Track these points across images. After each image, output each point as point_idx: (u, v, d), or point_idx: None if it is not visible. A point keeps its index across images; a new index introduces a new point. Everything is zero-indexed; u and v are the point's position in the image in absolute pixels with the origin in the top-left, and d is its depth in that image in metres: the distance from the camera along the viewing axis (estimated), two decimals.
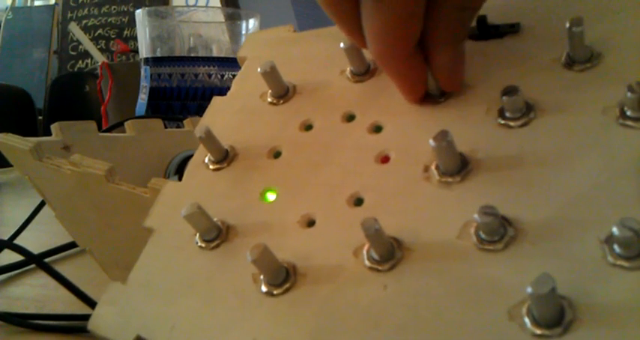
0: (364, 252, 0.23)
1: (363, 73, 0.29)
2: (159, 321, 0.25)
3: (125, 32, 2.36)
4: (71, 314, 0.45)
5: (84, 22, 2.38)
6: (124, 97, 1.04)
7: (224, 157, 0.29)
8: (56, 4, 2.48)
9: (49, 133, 0.54)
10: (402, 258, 0.22)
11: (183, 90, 0.90)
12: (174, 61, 0.91)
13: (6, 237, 0.62)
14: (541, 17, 0.27)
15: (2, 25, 2.49)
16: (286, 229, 0.26)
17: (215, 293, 0.25)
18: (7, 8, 2.56)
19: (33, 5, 2.70)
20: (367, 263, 0.23)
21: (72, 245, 0.61)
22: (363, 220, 0.21)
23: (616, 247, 0.19)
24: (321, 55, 0.31)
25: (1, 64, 2.41)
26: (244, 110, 0.32)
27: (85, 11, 2.42)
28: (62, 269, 0.48)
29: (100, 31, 2.36)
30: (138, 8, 1.01)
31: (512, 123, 0.24)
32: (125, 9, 2.37)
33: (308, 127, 0.29)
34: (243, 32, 0.96)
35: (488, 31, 0.27)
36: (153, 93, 0.90)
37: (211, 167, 0.30)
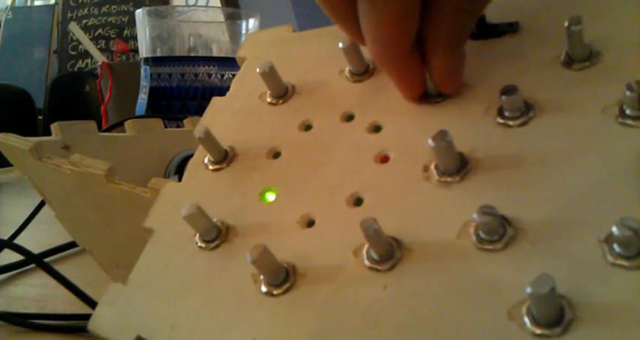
0: (364, 251, 0.23)
1: (362, 72, 0.29)
2: (159, 321, 0.25)
3: (125, 32, 2.36)
4: (71, 314, 0.45)
5: (84, 21, 2.38)
6: (124, 97, 1.04)
7: (223, 158, 0.29)
8: (56, 3, 2.48)
9: (48, 133, 0.54)
10: (402, 258, 0.22)
11: (183, 90, 0.90)
12: (174, 60, 0.91)
13: (6, 237, 0.62)
14: (540, 16, 0.26)
15: (2, 24, 2.49)
16: (286, 229, 0.26)
17: (215, 294, 0.25)
18: (7, 8, 2.56)
19: (33, 5, 2.70)
20: (367, 263, 0.23)
21: (72, 244, 0.61)
22: (363, 220, 0.21)
23: (616, 246, 0.19)
24: (320, 54, 0.31)
25: (1, 63, 2.41)
26: (243, 110, 0.32)
27: (85, 11, 2.42)
28: (62, 268, 0.48)
29: (100, 30, 2.36)
30: (138, 8, 1.01)
31: (511, 123, 0.24)
32: (125, 9, 2.38)
33: (307, 127, 0.29)
34: (243, 32, 0.96)
35: (486, 30, 0.27)
36: (153, 92, 0.90)
37: (211, 167, 0.30)
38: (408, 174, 0.25)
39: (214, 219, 0.27)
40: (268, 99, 0.31)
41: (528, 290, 0.18)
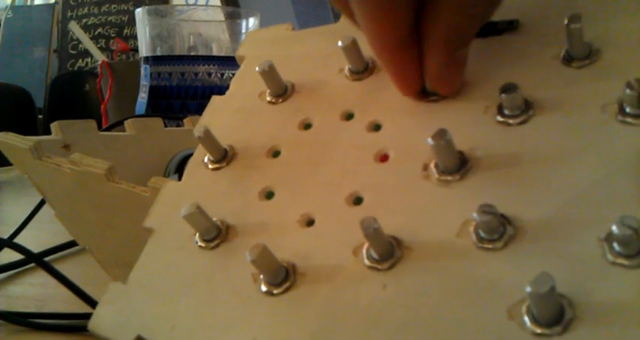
0: (363, 251, 0.23)
1: (362, 71, 0.29)
2: (159, 321, 0.25)
3: (125, 31, 2.36)
4: (71, 313, 0.45)
5: (84, 20, 2.38)
6: (124, 96, 1.04)
7: (223, 157, 0.29)
8: (56, 2, 2.48)
9: (48, 132, 0.54)
10: (402, 257, 0.22)
11: (183, 89, 0.90)
12: (174, 59, 0.91)
13: (6, 236, 0.62)
14: (540, 14, 0.26)
15: (2, 23, 2.49)
16: (285, 228, 0.26)
17: (215, 293, 0.25)
18: (7, 7, 2.56)
19: (33, 4, 2.70)
20: (367, 262, 0.23)
21: (72, 244, 0.61)
22: (362, 219, 0.21)
23: (615, 245, 0.19)
24: (319, 53, 0.31)
25: (1, 62, 2.41)
26: (243, 109, 0.31)
27: (85, 10, 2.42)
28: (62, 268, 0.48)
29: (99, 29, 2.36)
30: (138, 7, 1.01)
31: (511, 121, 0.24)
32: (125, 8, 2.38)
33: (307, 126, 0.29)
34: (243, 31, 0.96)
35: (486, 28, 0.27)
36: (153, 92, 0.90)
37: (210, 166, 0.29)
38: (408, 172, 0.25)
39: (214, 219, 0.27)
40: (268, 98, 0.31)
41: (528, 289, 0.18)
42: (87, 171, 0.39)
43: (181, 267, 0.27)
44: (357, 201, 0.25)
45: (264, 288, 0.24)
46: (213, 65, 0.91)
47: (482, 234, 0.21)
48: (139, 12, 0.94)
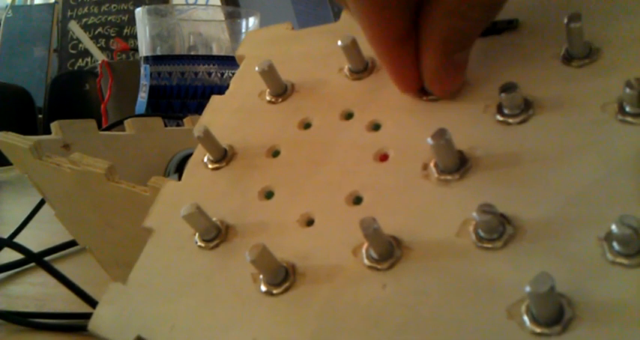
0: (363, 250, 0.23)
1: (362, 70, 0.29)
2: (159, 321, 0.25)
3: (125, 30, 2.36)
4: (71, 313, 0.45)
5: (84, 20, 2.38)
6: (124, 96, 1.04)
7: (223, 156, 0.29)
8: (56, 2, 2.48)
9: (48, 132, 0.54)
10: (401, 257, 0.22)
11: (183, 89, 0.90)
12: (174, 59, 0.91)
13: (6, 236, 0.63)
14: (539, 13, 0.26)
15: (2, 23, 2.49)
16: (285, 228, 0.26)
17: (215, 293, 0.25)
18: (7, 6, 2.56)
19: (33, 4, 2.70)
20: (366, 262, 0.23)
21: (72, 243, 0.61)
22: (362, 220, 0.21)
23: (615, 245, 0.19)
24: (319, 52, 0.31)
25: (1, 62, 2.41)
26: (243, 109, 0.31)
27: (85, 9, 2.42)
28: (62, 267, 0.48)
29: (99, 29, 2.36)
30: (138, 6, 1.01)
31: (510, 120, 0.24)
32: (125, 7, 2.38)
33: (307, 126, 0.29)
34: (243, 30, 0.96)
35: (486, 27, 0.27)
36: (153, 91, 0.90)
37: (210, 166, 0.29)
38: (408, 172, 0.25)
39: (214, 218, 0.27)
40: (267, 98, 0.31)
41: (528, 288, 0.18)
42: (87, 170, 0.39)
43: (181, 267, 0.27)
44: (357, 200, 0.25)
45: (263, 288, 0.24)
46: (213, 65, 0.91)
47: (482, 234, 0.21)
48: (139, 11, 0.94)
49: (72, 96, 1.97)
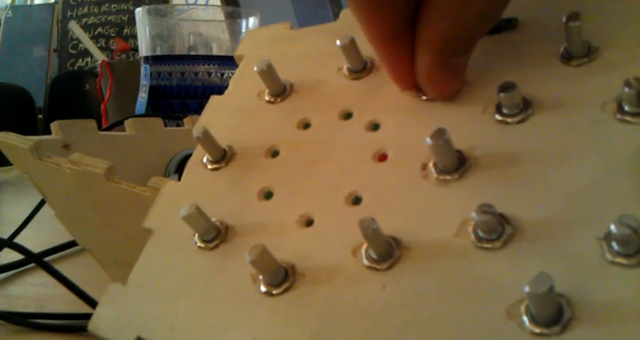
0: (362, 251, 0.23)
1: (360, 70, 0.29)
2: (159, 322, 0.25)
3: (125, 30, 2.36)
4: (71, 313, 0.45)
5: (84, 20, 2.38)
6: (124, 96, 1.04)
7: (222, 157, 0.29)
8: (56, 2, 2.49)
9: (48, 132, 0.54)
10: (401, 257, 0.22)
11: (183, 89, 0.90)
12: (174, 59, 0.91)
13: (6, 236, 0.63)
14: (538, 12, 0.26)
15: (2, 23, 2.50)
16: (285, 229, 0.26)
17: (214, 294, 0.25)
18: (7, 6, 2.56)
19: (33, 4, 2.70)
20: (366, 262, 0.23)
21: (72, 244, 0.61)
22: (361, 220, 0.21)
23: (614, 244, 0.19)
24: (318, 52, 0.31)
25: (1, 62, 2.41)
26: (242, 109, 0.31)
27: (85, 9, 2.42)
28: (62, 268, 0.48)
29: (99, 29, 2.36)
30: (138, 6, 1.01)
31: (509, 120, 0.24)
32: (125, 7, 2.38)
33: (306, 126, 0.29)
34: (243, 30, 0.96)
35: None
36: (153, 91, 0.90)
37: (209, 167, 0.29)
38: (407, 172, 0.24)
39: (213, 219, 0.27)
40: (266, 98, 0.31)
41: (527, 289, 0.18)
42: (87, 170, 0.39)
43: (181, 268, 0.27)
44: (356, 200, 0.25)
45: (263, 289, 0.24)
46: (213, 65, 0.91)
47: (481, 234, 0.21)
48: (139, 11, 0.94)
49: (72, 97, 1.97)
